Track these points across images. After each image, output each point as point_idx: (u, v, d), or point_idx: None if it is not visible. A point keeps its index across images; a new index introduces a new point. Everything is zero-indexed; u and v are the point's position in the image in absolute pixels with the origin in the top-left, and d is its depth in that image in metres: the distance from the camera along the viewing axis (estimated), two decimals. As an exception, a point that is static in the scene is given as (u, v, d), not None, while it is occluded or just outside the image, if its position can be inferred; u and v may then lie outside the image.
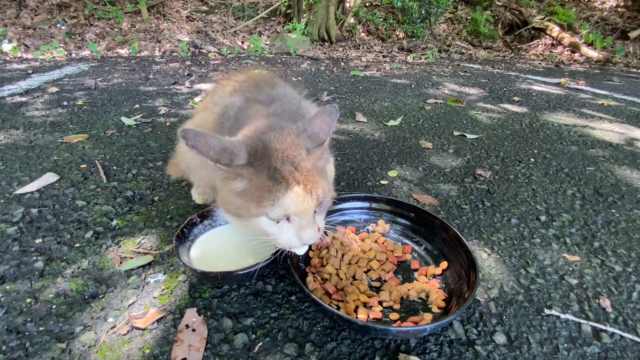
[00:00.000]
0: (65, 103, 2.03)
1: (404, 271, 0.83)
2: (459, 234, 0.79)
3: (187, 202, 1.08)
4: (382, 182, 1.26)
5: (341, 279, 0.78)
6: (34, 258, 0.83)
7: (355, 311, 0.70)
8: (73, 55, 3.78)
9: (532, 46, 5.97)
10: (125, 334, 0.66)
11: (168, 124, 1.77)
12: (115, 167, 1.29)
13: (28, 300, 0.72)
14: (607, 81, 3.66)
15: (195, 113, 1.01)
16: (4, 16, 4.11)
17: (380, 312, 0.71)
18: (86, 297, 0.74)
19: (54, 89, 2.31)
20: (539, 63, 4.93)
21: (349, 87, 2.77)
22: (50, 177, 1.18)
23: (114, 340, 0.64)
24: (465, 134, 1.78)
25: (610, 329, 0.70)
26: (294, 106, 0.80)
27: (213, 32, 4.84)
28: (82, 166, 1.28)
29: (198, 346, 0.63)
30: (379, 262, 0.83)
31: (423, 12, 5.08)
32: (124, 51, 4.06)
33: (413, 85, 2.95)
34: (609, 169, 1.45)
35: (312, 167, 0.63)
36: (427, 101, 2.43)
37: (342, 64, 3.99)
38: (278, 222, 0.63)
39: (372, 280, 0.80)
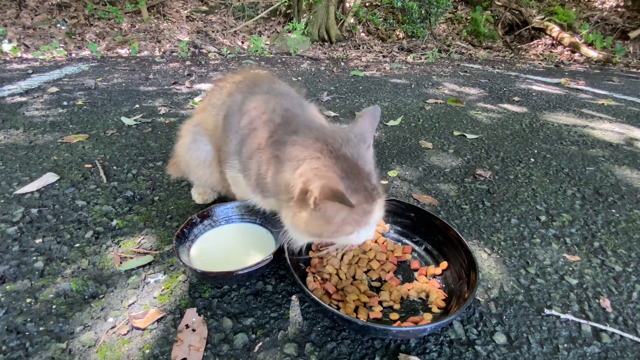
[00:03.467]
0: (65, 103, 2.03)
1: (404, 271, 0.83)
2: (459, 234, 0.79)
3: (187, 202, 1.08)
4: (382, 182, 1.26)
5: (341, 279, 0.78)
6: (34, 258, 0.83)
7: (355, 311, 0.70)
8: (73, 55, 3.78)
9: (532, 46, 5.97)
10: (125, 334, 0.66)
11: (168, 122, 1.77)
12: (115, 167, 1.29)
13: (28, 300, 0.72)
14: (607, 81, 3.66)
15: (194, 113, 1.02)
16: (4, 16, 4.11)
17: (380, 312, 0.71)
18: (86, 297, 0.74)
19: (54, 89, 2.31)
20: (539, 63, 4.93)
21: (349, 87, 2.77)
22: (50, 177, 1.18)
23: (114, 340, 0.64)
24: (465, 134, 1.78)
25: (610, 329, 0.70)
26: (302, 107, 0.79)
27: (213, 32, 4.84)
28: (86, 165, 1.28)
29: (198, 346, 0.63)
30: (379, 262, 0.83)
31: (423, 12, 5.08)
32: (124, 51, 4.06)
33: (413, 85, 2.95)
34: (609, 169, 1.45)
35: (375, 172, 0.66)
36: (427, 101, 2.43)
37: (342, 64, 3.99)
38: None
39: (372, 280, 0.80)
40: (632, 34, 5.57)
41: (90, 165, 1.29)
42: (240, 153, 0.75)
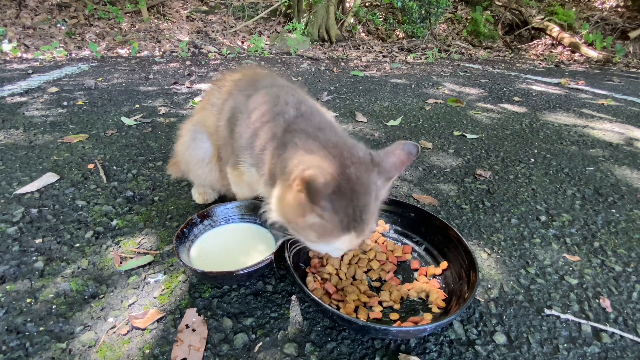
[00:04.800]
0: (65, 103, 2.03)
1: (404, 271, 0.83)
2: (459, 234, 0.79)
3: (187, 202, 1.08)
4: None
5: (341, 279, 0.78)
6: (34, 258, 0.83)
7: (355, 311, 0.70)
8: (73, 55, 3.77)
9: (532, 46, 5.97)
10: (125, 334, 0.66)
11: (168, 122, 1.77)
12: (115, 167, 1.29)
13: (28, 300, 0.72)
14: (607, 81, 3.66)
15: (194, 113, 1.02)
16: (4, 16, 4.11)
17: (380, 312, 0.71)
18: (86, 297, 0.74)
19: (54, 89, 2.31)
20: (539, 63, 4.93)
21: (349, 87, 2.77)
22: (50, 177, 1.18)
23: (114, 340, 0.64)
24: (465, 134, 1.78)
25: (610, 329, 0.70)
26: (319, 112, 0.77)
27: (213, 32, 4.84)
28: (89, 166, 1.28)
29: (198, 346, 0.63)
30: (379, 262, 0.83)
31: (423, 12, 5.08)
32: (124, 51, 4.06)
33: (413, 85, 2.95)
34: (609, 169, 1.45)
35: (375, 208, 0.61)
36: (427, 101, 2.43)
37: (342, 64, 3.99)
38: None
39: (372, 280, 0.80)
40: (632, 34, 5.57)
41: (92, 166, 1.29)
42: (253, 147, 0.74)
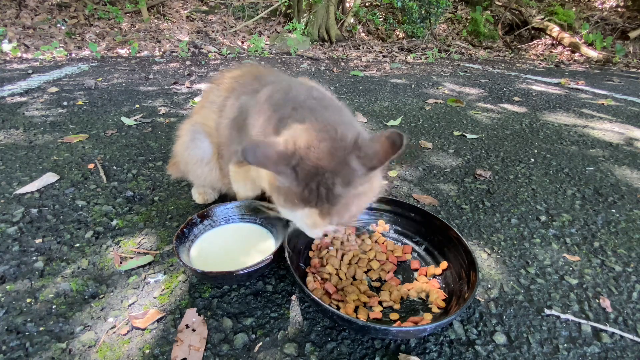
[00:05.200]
0: (65, 103, 2.03)
1: (404, 271, 0.83)
2: (459, 234, 0.79)
3: (187, 202, 1.08)
4: (382, 182, 1.26)
5: (341, 279, 0.78)
6: (34, 258, 0.83)
7: (355, 311, 0.70)
8: (73, 55, 3.77)
9: (532, 46, 5.97)
10: (125, 334, 0.66)
11: (168, 122, 1.76)
12: (115, 167, 1.29)
13: (28, 300, 0.72)
14: (607, 81, 3.66)
15: (193, 113, 1.01)
16: (4, 16, 4.11)
17: (380, 312, 0.71)
18: (86, 297, 0.74)
19: (54, 89, 2.31)
20: (539, 63, 4.93)
21: (349, 87, 2.77)
22: (50, 177, 1.18)
23: (114, 340, 0.64)
24: (465, 134, 1.78)
25: (610, 329, 0.70)
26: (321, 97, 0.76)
27: (213, 32, 4.84)
28: (89, 166, 1.28)
29: (198, 346, 0.63)
30: (379, 262, 0.83)
31: (423, 12, 5.08)
32: (124, 51, 4.06)
33: (413, 85, 2.95)
34: (609, 169, 1.45)
35: (347, 194, 0.58)
36: (427, 101, 2.43)
37: (342, 64, 3.99)
38: None
39: (372, 280, 0.80)
40: (632, 34, 5.57)
41: (92, 166, 1.29)
42: (265, 133, 0.74)
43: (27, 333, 0.65)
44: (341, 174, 0.57)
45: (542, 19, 6.05)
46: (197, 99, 2.23)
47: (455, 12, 6.50)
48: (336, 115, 0.67)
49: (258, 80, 0.86)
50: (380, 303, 0.73)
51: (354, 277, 0.80)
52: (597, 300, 0.78)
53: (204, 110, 0.94)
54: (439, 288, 0.76)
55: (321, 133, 0.60)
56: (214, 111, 0.90)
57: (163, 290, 0.76)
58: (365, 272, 0.81)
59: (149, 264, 0.83)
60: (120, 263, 0.83)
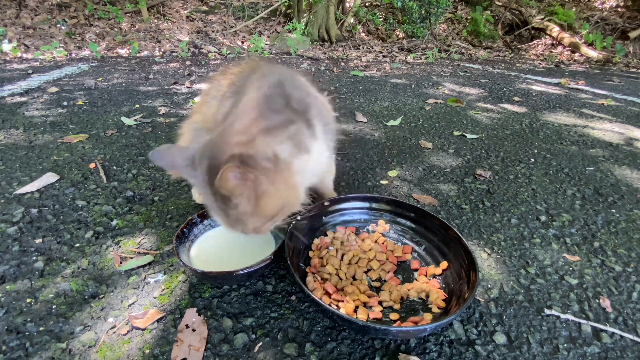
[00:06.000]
0: (65, 103, 2.03)
1: (404, 271, 0.83)
2: (459, 234, 0.79)
3: (187, 202, 1.08)
4: (382, 182, 1.26)
5: (341, 279, 0.78)
6: (34, 258, 0.83)
7: (355, 311, 0.70)
8: (73, 55, 3.77)
9: (532, 46, 5.97)
10: (125, 334, 0.66)
11: (168, 122, 1.77)
12: (115, 167, 1.29)
13: (28, 300, 0.72)
14: (607, 81, 3.66)
15: (192, 112, 1.01)
16: (4, 16, 4.11)
17: (380, 312, 0.71)
18: (86, 297, 0.74)
19: (54, 89, 2.31)
20: (539, 63, 4.93)
21: (349, 87, 2.77)
22: (50, 177, 1.18)
23: (114, 340, 0.64)
24: (465, 134, 1.78)
25: (610, 329, 0.70)
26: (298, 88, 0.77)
27: (213, 32, 4.84)
28: (90, 166, 1.28)
29: (198, 346, 0.63)
30: (379, 262, 0.83)
31: (423, 12, 5.08)
32: (124, 51, 4.06)
33: (413, 85, 2.95)
34: (609, 169, 1.45)
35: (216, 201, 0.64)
36: (427, 101, 2.43)
37: (342, 64, 3.99)
38: None
39: (372, 280, 0.80)
40: (632, 34, 5.57)
41: (92, 166, 1.29)
42: None
43: (27, 333, 0.65)
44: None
45: (542, 19, 6.05)
46: (197, 99, 2.23)
47: (455, 12, 6.50)
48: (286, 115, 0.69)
49: (256, 73, 0.85)
50: (380, 303, 0.73)
51: (354, 277, 0.80)
52: (597, 300, 0.78)
53: (204, 107, 0.94)
54: (439, 288, 0.76)
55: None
56: (214, 105, 0.89)
57: (163, 290, 0.76)
58: (365, 272, 0.81)
59: (149, 264, 0.83)
60: (120, 263, 0.83)
